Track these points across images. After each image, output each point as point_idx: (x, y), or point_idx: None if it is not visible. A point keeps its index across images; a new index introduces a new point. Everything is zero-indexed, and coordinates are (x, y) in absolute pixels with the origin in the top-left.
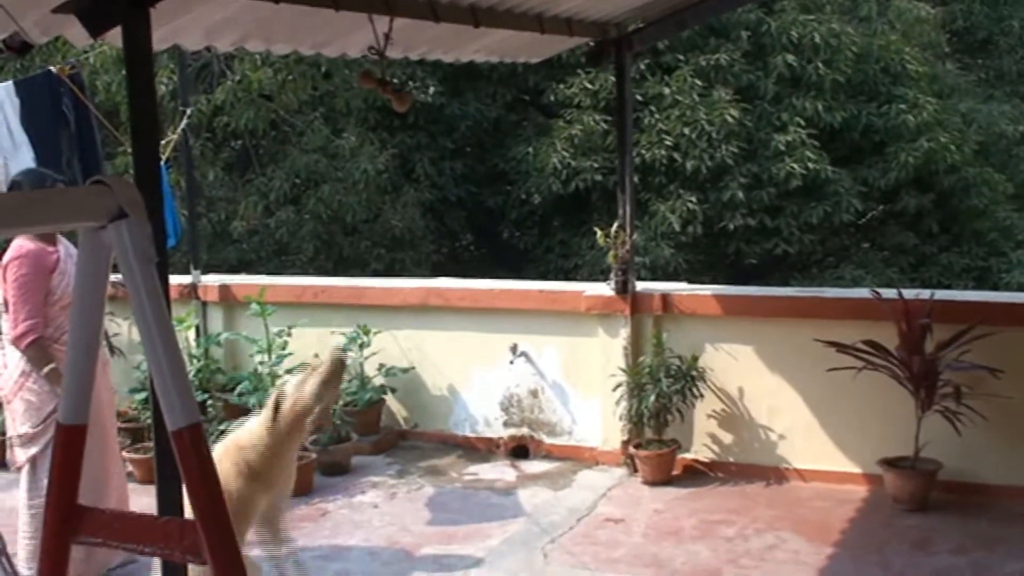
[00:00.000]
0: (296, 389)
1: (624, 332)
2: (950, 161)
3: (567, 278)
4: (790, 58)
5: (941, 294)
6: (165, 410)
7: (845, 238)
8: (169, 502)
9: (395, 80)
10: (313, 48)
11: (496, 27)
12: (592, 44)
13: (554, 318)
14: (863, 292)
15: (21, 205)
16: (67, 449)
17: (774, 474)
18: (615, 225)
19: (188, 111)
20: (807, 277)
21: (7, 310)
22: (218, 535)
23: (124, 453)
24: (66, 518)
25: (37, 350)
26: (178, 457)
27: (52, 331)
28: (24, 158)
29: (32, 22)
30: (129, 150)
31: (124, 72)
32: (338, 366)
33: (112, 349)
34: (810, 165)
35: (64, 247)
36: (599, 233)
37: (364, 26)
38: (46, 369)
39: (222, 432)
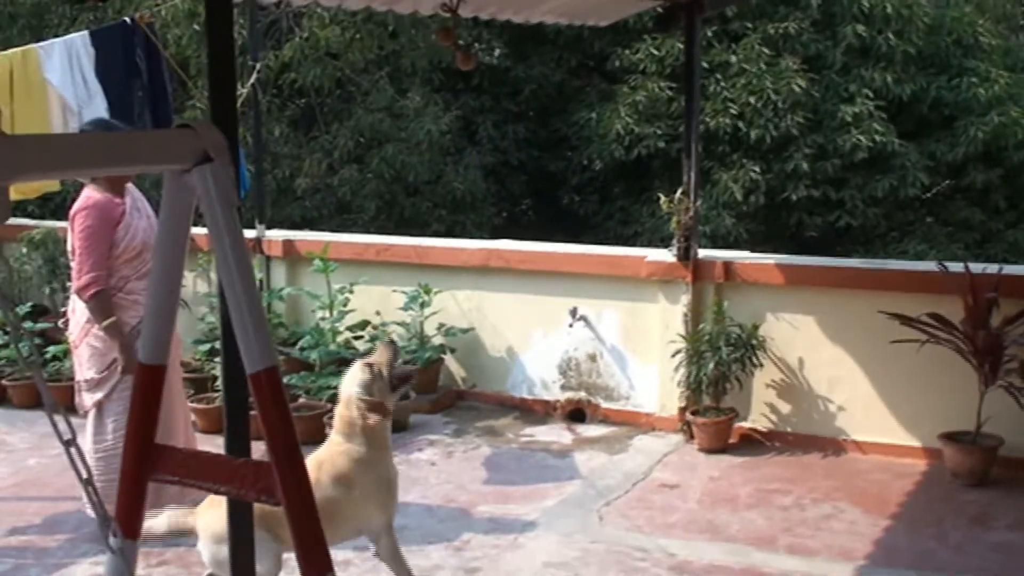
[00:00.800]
0: (360, 387)
1: (685, 299)
2: (1020, 136)
3: (626, 245)
4: (860, 28)
5: (1009, 269)
6: (244, 353)
7: (910, 212)
8: (237, 447)
9: (462, 41)
10: (386, 4)
11: None
12: (662, 8)
13: (614, 283)
14: (929, 265)
15: (110, 145)
16: (146, 388)
17: (832, 446)
18: (679, 192)
19: (258, 66)
20: (870, 251)
21: (74, 258)
22: (292, 476)
23: (190, 403)
24: (144, 455)
25: (99, 302)
26: (255, 399)
27: (116, 281)
28: (97, 107)
29: None
30: (199, 104)
31: (195, 26)
32: (391, 352)
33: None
34: (877, 137)
35: (131, 198)
36: (663, 199)
37: None
38: (106, 322)
39: (285, 385)
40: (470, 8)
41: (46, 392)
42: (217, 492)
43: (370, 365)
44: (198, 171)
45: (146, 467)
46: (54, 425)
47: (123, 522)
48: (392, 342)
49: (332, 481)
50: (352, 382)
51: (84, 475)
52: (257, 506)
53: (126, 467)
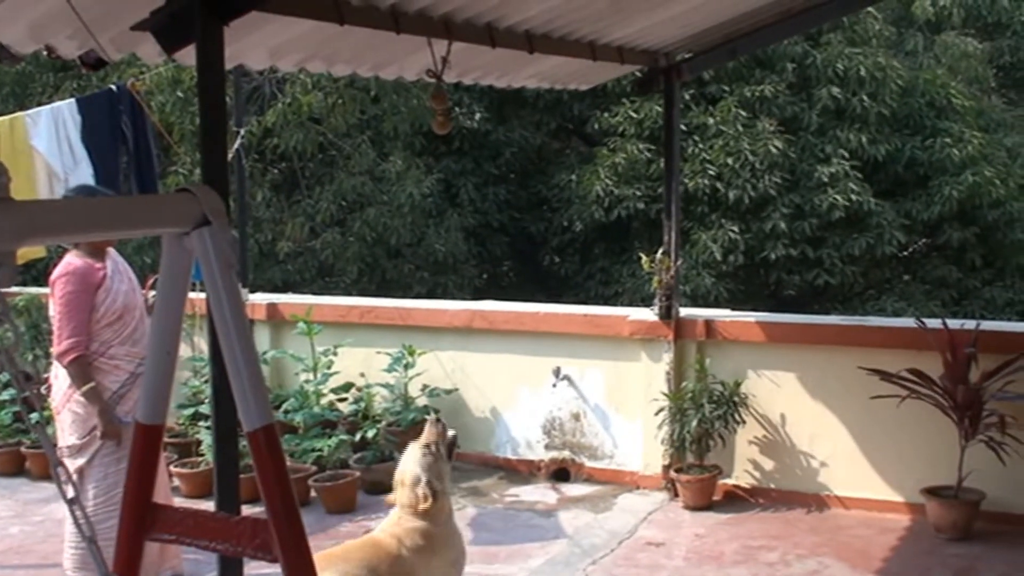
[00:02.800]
0: (425, 471)
1: (667, 357)
2: (994, 195)
3: (607, 305)
4: (835, 90)
5: (987, 324)
6: (242, 412)
7: (887, 270)
8: (227, 507)
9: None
10: (372, 70)
11: (550, 53)
12: (641, 72)
13: (597, 342)
14: (908, 321)
15: (113, 209)
16: (145, 448)
17: (815, 501)
18: (660, 251)
19: (242, 131)
20: (848, 308)
21: (55, 324)
22: (289, 533)
23: (171, 468)
24: (142, 515)
25: (78, 368)
26: (253, 457)
27: (98, 346)
28: (83, 173)
29: (108, 39)
30: (181, 170)
31: (178, 92)
32: (441, 428)
33: None
34: (853, 197)
35: (112, 262)
36: (644, 259)
37: (422, 49)
38: (85, 388)
39: None
40: (454, 73)
41: (50, 448)
42: (214, 550)
43: (428, 446)
44: (197, 234)
45: (144, 526)
46: (58, 482)
47: None
48: (439, 420)
49: (414, 555)
50: (415, 465)
51: (88, 532)
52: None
53: (124, 526)
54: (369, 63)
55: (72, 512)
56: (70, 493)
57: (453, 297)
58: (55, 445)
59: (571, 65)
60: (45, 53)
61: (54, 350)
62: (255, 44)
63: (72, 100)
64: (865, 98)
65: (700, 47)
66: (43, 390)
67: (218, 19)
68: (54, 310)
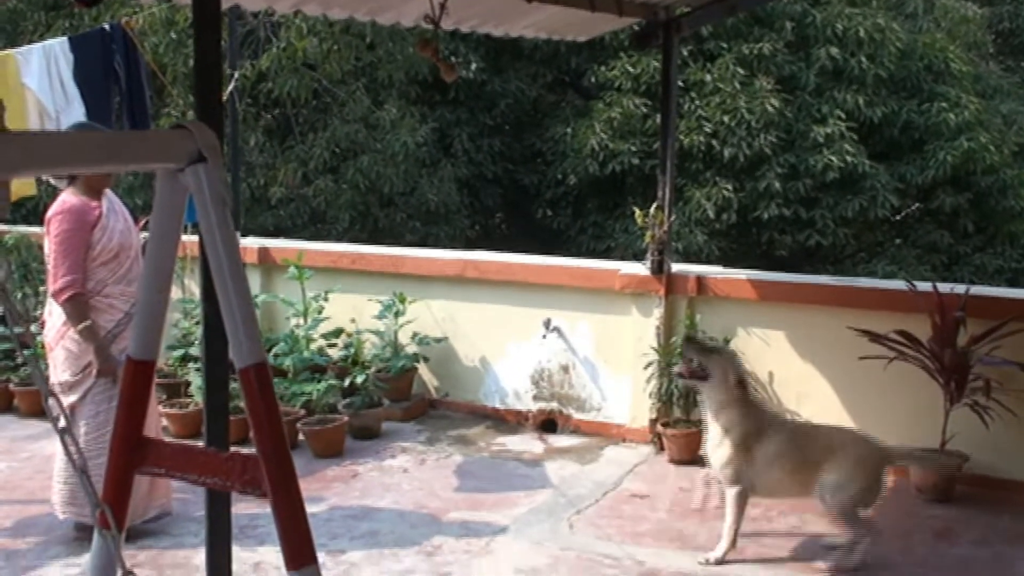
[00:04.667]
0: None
1: (657, 312)
2: (989, 162)
3: (599, 260)
4: (833, 50)
5: (976, 289)
6: (234, 349)
7: (879, 233)
8: (217, 443)
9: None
10: (369, 14)
11: (547, 3)
12: (639, 26)
13: (588, 295)
14: (898, 284)
15: (109, 143)
16: (135, 383)
17: None
18: (653, 206)
19: (235, 75)
20: (839, 270)
21: (50, 262)
22: (279, 469)
23: (161, 408)
24: (132, 448)
25: (74, 306)
26: (244, 394)
27: (93, 285)
28: (75, 112)
29: None
30: (173, 112)
31: (171, 34)
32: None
33: None
34: (848, 158)
35: (108, 201)
36: (637, 213)
37: None
38: (81, 326)
39: None
40: (451, 21)
41: (41, 380)
42: (203, 484)
43: None
44: (191, 170)
45: (135, 459)
46: (50, 415)
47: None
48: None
49: None
50: None
51: (79, 462)
52: None
53: (114, 459)
54: (365, 7)
55: (64, 443)
56: (62, 423)
57: (445, 247)
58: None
59: (568, 15)
60: None
61: (50, 288)
62: None
63: (64, 38)
64: (863, 59)
65: (699, 1)
66: (36, 327)
67: None
68: (49, 248)
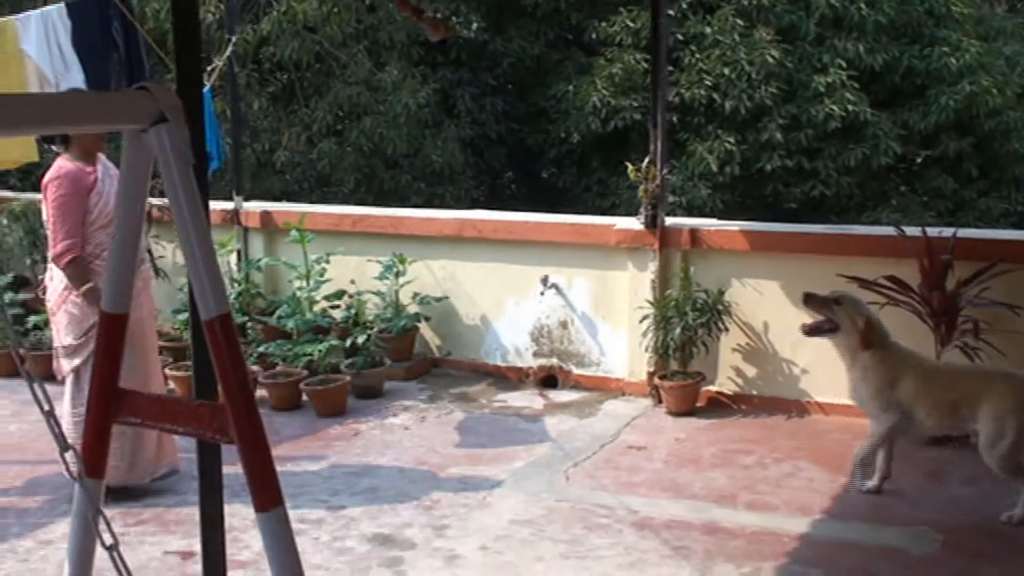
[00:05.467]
0: None
1: (652, 266)
2: (991, 105)
3: (604, 216)
4: None
5: (964, 232)
6: (199, 301)
7: (883, 181)
8: (205, 394)
9: (437, 14)
10: None
11: None
12: None
13: (585, 251)
14: (888, 230)
15: (70, 104)
16: (109, 335)
17: (796, 407)
18: (646, 160)
19: (233, 39)
20: (845, 220)
21: (49, 227)
22: (245, 416)
23: (167, 371)
24: (108, 399)
25: (75, 268)
26: (209, 345)
27: (92, 248)
28: (75, 78)
29: None
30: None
31: None
32: None
33: (157, 271)
34: (849, 107)
35: (103, 167)
36: (630, 168)
37: None
38: (83, 288)
39: (261, 354)
40: None
41: (20, 361)
42: (177, 432)
43: None
44: (154, 131)
45: (111, 410)
46: (34, 395)
47: (88, 462)
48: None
49: None
50: None
51: (62, 443)
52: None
53: (92, 410)
54: None
55: (33, 390)
56: (47, 406)
57: (450, 208)
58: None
59: None
60: None
61: (50, 252)
62: None
63: (62, 4)
64: (863, 6)
65: None
66: (39, 292)
67: None
68: (47, 214)
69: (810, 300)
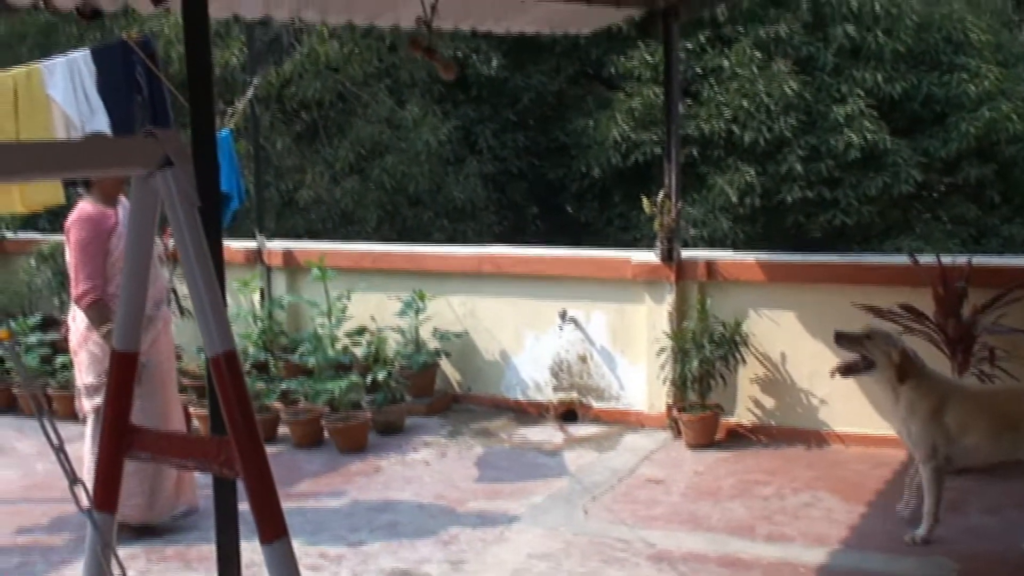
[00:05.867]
0: None
1: (670, 298)
2: (1012, 131)
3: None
4: (850, 28)
5: (979, 259)
6: (204, 338)
7: (905, 209)
8: (220, 427)
9: (457, 52)
10: (367, 19)
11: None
12: (639, 16)
13: (602, 285)
14: (902, 258)
15: (80, 150)
16: (120, 373)
17: (815, 438)
18: (661, 193)
19: (254, 81)
20: (867, 248)
21: (71, 269)
22: (250, 451)
23: (191, 409)
24: (120, 435)
25: (96, 310)
26: (215, 381)
27: (113, 289)
28: (99, 122)
29: None
30: None
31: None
32: None
33: (182, 310)
34: (868, 136)
35: (124, 209)
36: (645, 202)
37: None
38: (104, 329)
39: (283, 391)
40: (451, 21)
41: (33, 399)
42: (184, 467)
43: None
44: (161, 175)
45: (122, 445)
46: (44, 430)
47: (100, 496)
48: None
49: None
50: None
51: (71, 477)
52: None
53: (104, 446)
54: (363, 13)
55: (59, 457)
56: (55, 441)
57: (472, 244)
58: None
59: (567, 9)
60: (41, 4)
61: (72, 293)
62: None
63: (87, 50)
64: (880, 35)
65: None
66: (62, 332)
67: None
68: (69, 256)
69: (841, 339)
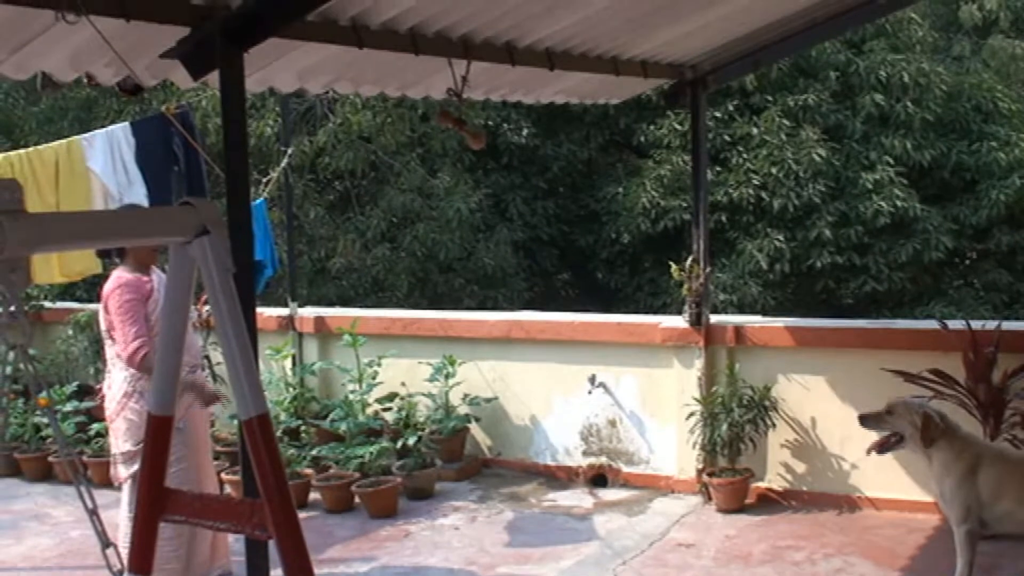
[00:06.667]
0: None
1: (698, 363)
2: None
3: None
4: (878, 97)
5: (1008, 325)
6: (237, 402)
7: (937, 276)
8: (253, 491)
9: (488, 122)
10: (399, 90)
11: (571, 70)
12: (668, 86)
13: (631, 349)
14: (931, 323)
15: (120, 220)
16: (156, 436)
17: (846, 502)
18: (689, 259)
19: (289, 151)
20: (899, 314)
21: (111, 337)
22: (282, 512)
23: (223, 475)
24: (156, 498)
25: (150, 364)
26: (248, 443)
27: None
28: (137, 193)
29: (143, 66)
30: None
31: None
32: None
33: (215, 377)
34: (898, 203)
35: (157, 277)
36: (674, 268)
37: (446, 68)
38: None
39: (314, 457)
40: (481, 91)
41: (70, 464)
42: (218, 529)
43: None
44: (198, 243)
45: (157, 508)
46: (79, 493)
47: (135, 559)
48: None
49: None
50: None
51: (103, 540)
52: None
53: (140, 508)
54: (395, 83)
55: (92, 521)
56: (90, 504)
57: (503, 310)
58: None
59: (595, 80)
60: (85, 80)
61: (122, 355)
62: (282, 68)
63: (126, 123)
64: (909, 104)
65: (723, 59)
66: (97, 400)
67: (237, 47)
68: (112, 320)
69: (866, 420)
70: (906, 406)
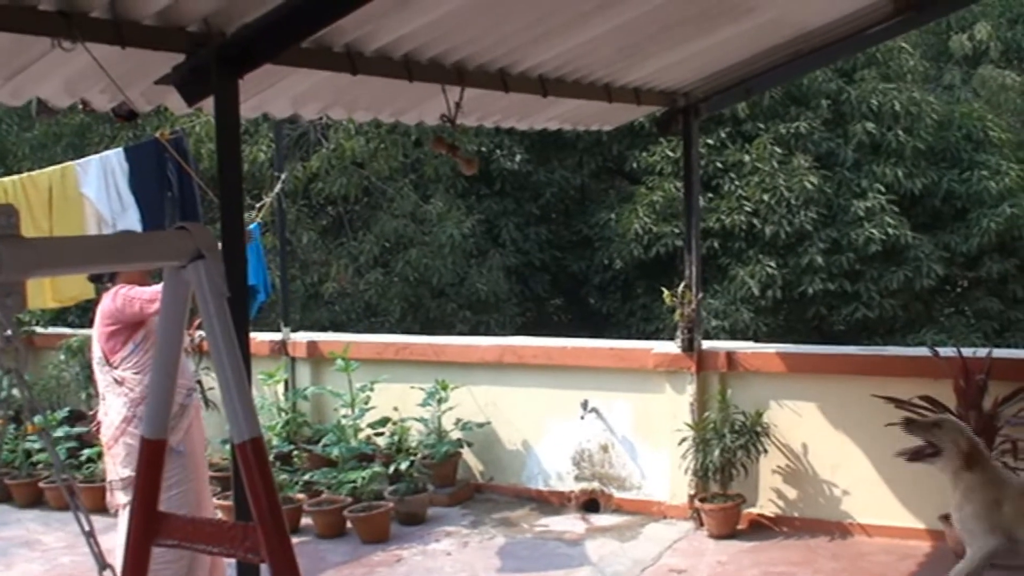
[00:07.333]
0: None
1: (690, 389)
2: None
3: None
4: (870, 126)
5: (999, 352)
6: (231, 425)
7: (928, 303)
8: (246, 515)
9: (481, 147)
10: (392, 116)
11: (564, 97)
12: (660, 113)
13: (623, 375)
14: (922, 351)
15: (116, 244)
16: (149, 460)
17: (838, 529)
18: (681, 285)
19: (282, 176)
20: (890, 341)
21: (108, 363)
22: (275, 537)
23: (215, 500)
24: (148, 522)
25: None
26: (241, 467)
27: (142, 377)
28: (131, 219)
29: (138, 92)
30: None
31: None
32: None
33: (207, 402)
34: (890, 230)
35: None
36: (666, 293)
37: (439, 94)
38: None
39: (306, 482)
40: (475, 117)
41: (66, 488)
42: (211, 553)
43: None
44: (192, 267)
45: (150, 533)
46: (76, 516)
47: None
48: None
49: None
50: None
51: (100, 561)
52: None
53: (133, 532)
54: (388, 109)
55: (89, 544)
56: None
57: (495, 335)
58: (104, 480)
59: (588, 107)
60: (80, 107)
61: (149, 310)
62: (277, 94)
63: (120, 149)
64: (900, 133)
65: (715, 87)
66: (92, 428)
67: (232, 73)
68: (124, 307)
69: (911, 426)
70: (955, 425)
